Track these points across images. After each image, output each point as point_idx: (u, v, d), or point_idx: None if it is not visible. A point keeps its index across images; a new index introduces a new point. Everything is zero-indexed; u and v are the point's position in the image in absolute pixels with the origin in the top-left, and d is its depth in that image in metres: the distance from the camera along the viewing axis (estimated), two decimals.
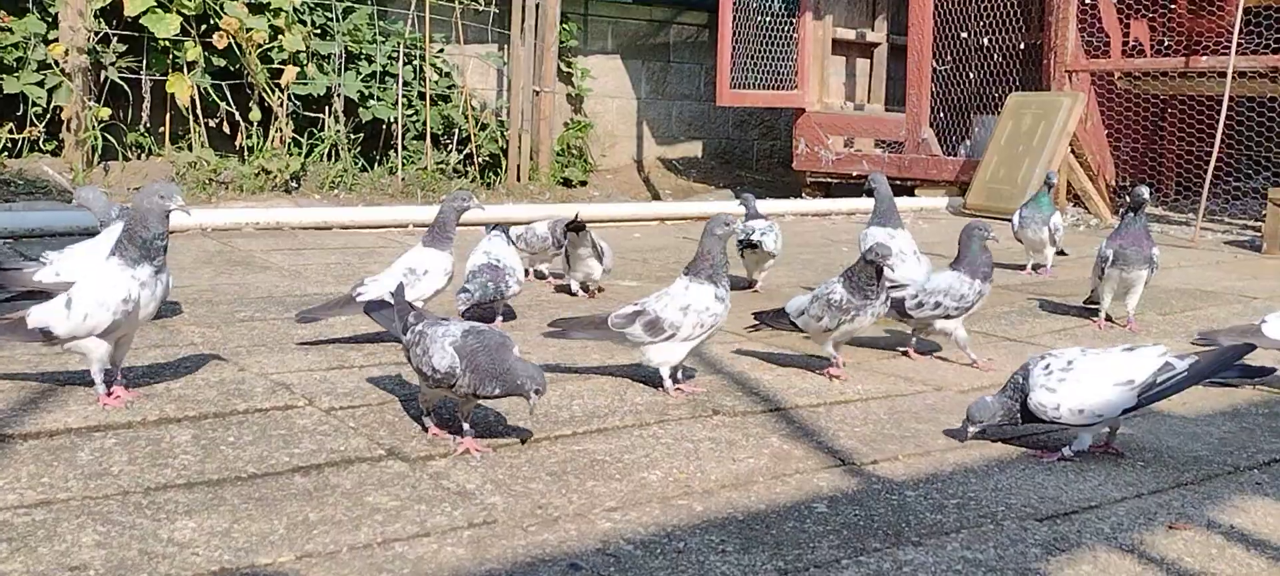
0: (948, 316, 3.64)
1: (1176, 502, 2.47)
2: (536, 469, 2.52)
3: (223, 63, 8.42)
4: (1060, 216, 5.80)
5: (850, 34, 11.58)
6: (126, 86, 8.23)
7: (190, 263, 5.12)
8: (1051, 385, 2.70)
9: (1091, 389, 2.67)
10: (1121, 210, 4.81)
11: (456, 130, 9.57)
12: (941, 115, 9.88)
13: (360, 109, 9.07)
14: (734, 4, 9.85)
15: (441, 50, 9.76)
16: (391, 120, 9.17)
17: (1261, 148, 8.80)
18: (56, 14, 7.93)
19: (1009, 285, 5.42)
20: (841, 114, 11.16)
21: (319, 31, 9.00)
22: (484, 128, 9.75)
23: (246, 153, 8.58)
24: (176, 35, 8.17)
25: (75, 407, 2.79)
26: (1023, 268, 5.87)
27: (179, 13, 8.12)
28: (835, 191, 10.27)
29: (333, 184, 8.62)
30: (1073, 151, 8.69)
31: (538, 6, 9.83)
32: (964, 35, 9.80)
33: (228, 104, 8.54)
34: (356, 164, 9.02)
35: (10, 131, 7.91)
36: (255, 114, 8.59)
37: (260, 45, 8.38)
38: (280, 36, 8.51)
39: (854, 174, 10.03)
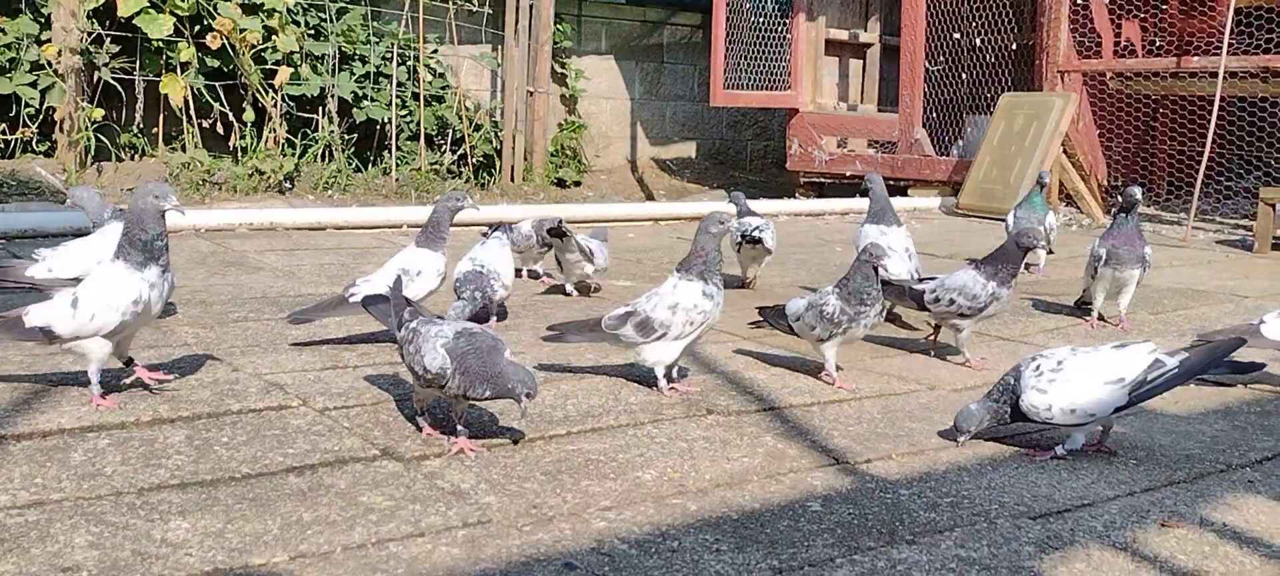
0: (962, 315, 3.65)
1: (1169, 500, 2.48)
2: (531, 468, 2.52)
3: (216, 63, 8.40)
4: (1054, 216, 5.81)
5: (843, 34, 11.59)
6: (120, 87, 8.21)
7: (184, 263, 5.11)
8: (1042, 386, 2.70)
9: (1082, 388, 2.68)
10: (1114, 210, 4.83)
11: (450, 131, 9.56)
12: (934, 115, 9.88)
13: (354, 110, 9.05)
14: (727, 5, 9.85)
15: (435, 51, 9.75)
16: (385, 121, 9.16)
17: (1253, 147, 8.83)
18: (49, 14, 7.90)
19: None
20: (835, 114, 11.18)
21: (313, 32, 8.98)
22: (478, 128, 9.74)
23: (240, 153, 8.56)
24: (170, 36, 8.15)
25: (68, 408, 2.78)
26: None
27: (172, 13, 8.10)
28: (829, 192, 10.28)
29: (327, 185, 8.61)
30: (1065, 151, 8.71)
31: (532, 7, 9.82)
32: (957, 36, 9.81)
33: (221, 105, 8.51)
34: (350, 165, 9.00)
35: (3, 132, 7.88)
36: (249, 115, 8.56)
37: (254, 46, 8.36)
38: (274, 37, 8.49)
39: (847, 174, 10.04)
